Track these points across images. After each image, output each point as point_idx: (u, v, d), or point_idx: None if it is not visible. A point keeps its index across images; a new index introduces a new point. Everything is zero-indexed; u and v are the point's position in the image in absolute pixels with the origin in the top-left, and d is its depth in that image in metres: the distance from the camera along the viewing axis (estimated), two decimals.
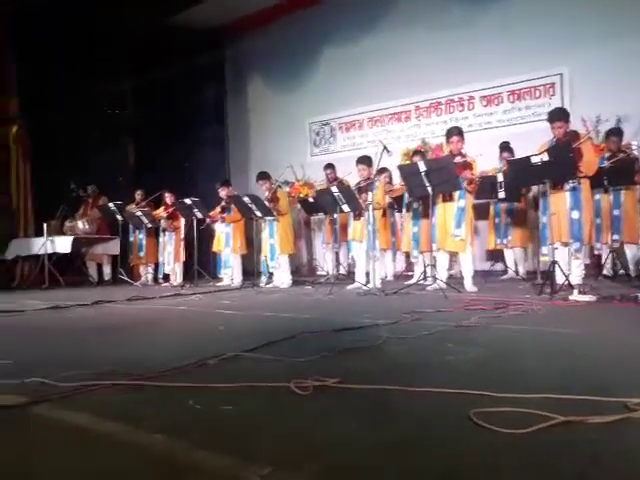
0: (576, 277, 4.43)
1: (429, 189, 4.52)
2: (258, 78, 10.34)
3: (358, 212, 5.31)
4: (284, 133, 9.80)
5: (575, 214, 4.37)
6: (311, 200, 7.10)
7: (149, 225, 7.09)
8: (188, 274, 7.08)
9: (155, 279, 7.59)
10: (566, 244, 4.51)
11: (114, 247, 7.64)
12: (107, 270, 7.86)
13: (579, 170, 4.14)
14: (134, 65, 9.47)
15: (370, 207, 4.93)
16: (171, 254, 7.13)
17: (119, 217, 7.34)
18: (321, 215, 7.58)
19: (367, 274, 5.47)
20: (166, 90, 9.60)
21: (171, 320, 3.46)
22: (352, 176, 7.04)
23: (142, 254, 7.59)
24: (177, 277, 7.15)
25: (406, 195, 5.86)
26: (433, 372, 1.76)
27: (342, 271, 7.35)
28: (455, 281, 5.18)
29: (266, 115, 10.11)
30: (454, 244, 4.86)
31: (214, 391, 1.53)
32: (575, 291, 3.75)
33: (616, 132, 5.59)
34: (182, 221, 7.04)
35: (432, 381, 1.56)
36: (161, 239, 7.32)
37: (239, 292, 5.61)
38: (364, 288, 5.19)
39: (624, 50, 6.52)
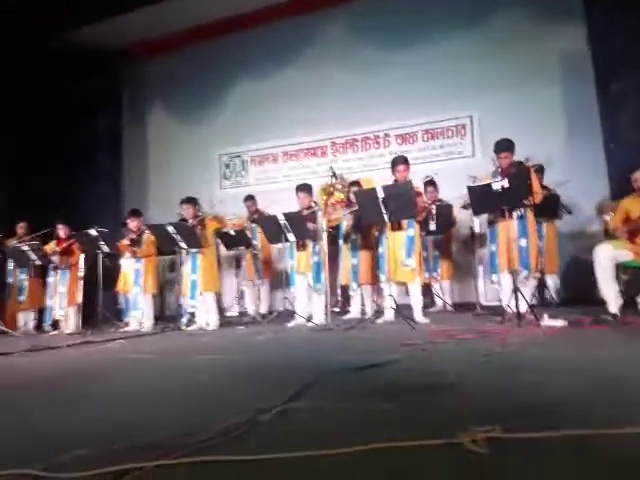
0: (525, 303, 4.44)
1: (385, 216, 4.29)
2: (160, 107, 9.64)
3: (302, 242, 4.91)
4: (189, 166, 9.15)
5: (523, 242, 4.41)
6: (232, 233, 6.54)
7: (38, 262, 5.94)
8: (85, 319, 6.03)
9: (38, 327, 6.36)
10: (513, 272, 4.52)
11: None
12: None
13: (532, 198, 4.21)
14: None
15: (324, 235, 4.57)
16: (64, 296, 6.01)
17: None
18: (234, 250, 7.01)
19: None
20: (50, 115, 8.41)
21: (118, 372, 2.70)
22: (270, 209, 6.73)
23: (23, 298, 6.34)
24: (70, 323, 6.02)
25: (343, 226, 5.62)
26: (580, 408, 1.41)
27: (263, 310, 6.83)
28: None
29: (169, 146, 9.39)
30: (404, 274, 4.65)
31: (337, 460, 1.01)
32: (545, 316, 3.71)
33: (539, 169, 5.85)
34: (80, 257, 6.01)
35: (604, 418, 1.21)
36: (51, 279, 6.16)
37: (162, 336, 4.82)
38: (310, 324, 4.75)
39: (527, 95, 7.11)
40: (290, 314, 5.19)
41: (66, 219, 6.51)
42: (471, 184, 4.40)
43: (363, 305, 5.63)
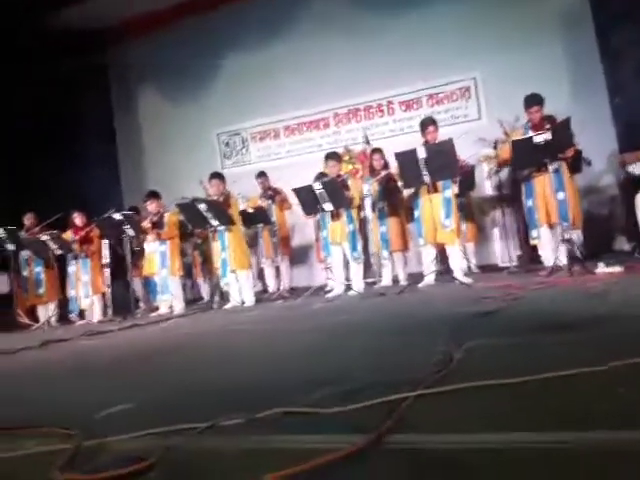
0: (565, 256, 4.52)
1: (426, 178, 4.29)
2: (151, 88, 9.35)
3: (336, 212, 4.87)
4: (187, 147, 8.94)
5: (561, 195, 4.48)
6: (250, 211, 6.44)
7: (58, 251, 5.76)
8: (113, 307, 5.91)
9: (60, 319, 6.21)
10: (552, 226, 4.60)
11: (1, 285, 6.08)
12: None
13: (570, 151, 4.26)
14: None
15: (367, 201, 4.54)
16: (88, 284, 5.85)
17: (9, 246, 5.88)
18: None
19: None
20: (32, 101, 8.05)
21: (229, 341, 2.65)
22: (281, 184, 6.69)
23: (42, 290, 6.16)
24: (96, 312, 5.89)
25: (369, 194, 5.59)
26: None
27: (285, 286, 6.79)
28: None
29: (163, 128, 9.14)
30: (444, 236, 4.67)
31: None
32: (600, 264, 3.79)
33: None
34: (102, 244, 5.85)
35: None
36: (71, 268, 5.99)
37: (206, 314, 4.77)
38: (351, 293, 4.76)
39: (529, 54, 7.10)
40: (320, 288, 5.20)
41: (65, 207, 6.26)
42: (515, 139, 4.36)
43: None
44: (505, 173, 6.55)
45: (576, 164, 5.61)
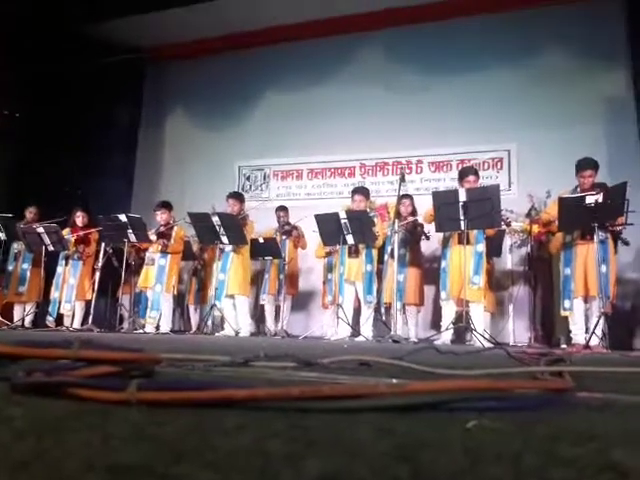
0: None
1: (462, 223, 3.95)
2: (181, 110, 9.28)
3: (356, 248, 4.50)
4: (206, 173, 8.71)
5: (603, 268, 4.11)
6: (261, 241, 6.07)
7: (51, 248, 5.33)
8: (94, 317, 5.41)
9: (35, 322, 5.70)
10: (586, 299, 4.21)
11: None
12: None
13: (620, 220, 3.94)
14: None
15: (396, 236, 4.17)
16: (73, 288, 5.40)
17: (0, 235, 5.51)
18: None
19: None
20: (68, 100, 8.08)
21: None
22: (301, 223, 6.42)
23: (23, 289, 5.69)
24: (77, 319, 5.40)
25: (390, 239, 5.25)
26: None
27: (282, 327, 6.28)
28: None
29: (186, 151, 8.97)
30: (471, 292, 4.26)
31: None
32: None
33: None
34: (98, 248, 5.46)
35: None
36: (59, 269, 5.56)
37: (203, 339, 4.28)
38: (359, 339, 4.29)
39: (568, 134, 6.96)
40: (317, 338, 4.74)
41: (70, 208, 5.91)
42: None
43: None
44: (527, 248, 6.31)
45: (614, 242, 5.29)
